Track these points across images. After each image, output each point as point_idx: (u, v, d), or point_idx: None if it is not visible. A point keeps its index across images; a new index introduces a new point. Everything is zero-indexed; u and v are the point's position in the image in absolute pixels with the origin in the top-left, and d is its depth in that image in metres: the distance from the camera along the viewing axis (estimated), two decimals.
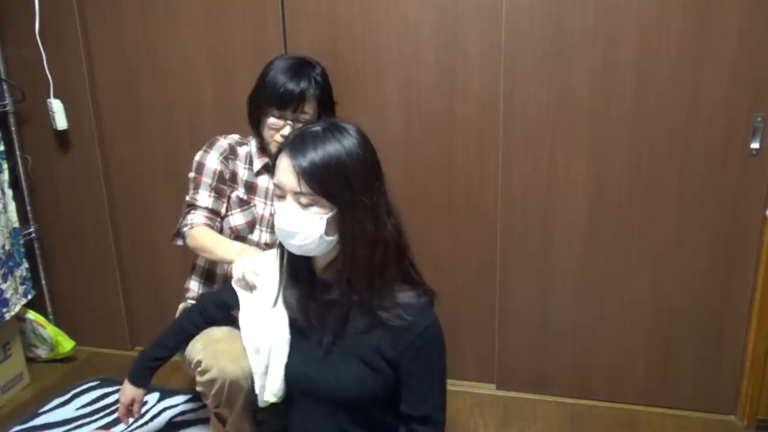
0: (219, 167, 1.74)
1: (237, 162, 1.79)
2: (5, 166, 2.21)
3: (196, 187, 1.74)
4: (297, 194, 1.18)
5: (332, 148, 1.17)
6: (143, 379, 1.57)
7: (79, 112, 2.27)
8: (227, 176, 1.76)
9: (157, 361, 1.56)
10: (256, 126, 1.74)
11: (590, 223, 1.97)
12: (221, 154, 1.75)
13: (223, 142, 1.77)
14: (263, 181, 1.80)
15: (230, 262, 1.55)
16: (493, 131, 1.96)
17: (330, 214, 1.19)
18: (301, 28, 2.02)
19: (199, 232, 1.69)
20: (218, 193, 1.75)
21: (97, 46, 2.22)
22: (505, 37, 1.88)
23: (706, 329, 1.96)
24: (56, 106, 2.25)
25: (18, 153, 2.34)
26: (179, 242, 1.77)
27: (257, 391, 1.39)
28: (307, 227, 1.19)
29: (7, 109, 2.30)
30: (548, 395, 2.15)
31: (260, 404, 1.39)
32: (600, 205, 1.94)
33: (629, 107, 1.85)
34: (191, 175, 1.77)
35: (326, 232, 1.19)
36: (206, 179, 1.74)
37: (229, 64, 2.10)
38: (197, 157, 1.77)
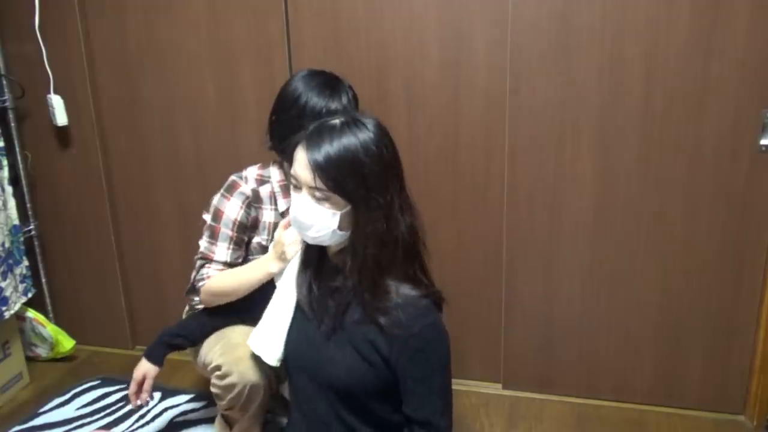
0: (240, 218, 1.60)
1: (262, 208, 1.64)
2: (5, 162, 2.19)
3: (213, 237, 1.60)
4: (312, 189, 1.18)
5: (348, 142, 1.16)
6: (158, 354, 1.56)
7: (80, 108, 2.25)
8: (248, 224, 1.63)
9: (177, 338, 1.57)
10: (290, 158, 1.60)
11: (597, 220, 1.94)
12: (243, 203, 1.61)
13: (245, 189, 1.61)
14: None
15: (274, 270, 1.44)
16: (499, 127, 1.94)
17: (343, 211, 1.19)
18: (304, 23, 2.00)
19: (216, 279, 1.56)
20: (238, 245, 1.61)
21: (97, 42, 2.20)
22: (511, 31, 1.85)
23: (715, 328, 1.94)
24: (56, 102, 2.23)
25: (18, 149, 2.32)
26: (196, 299, 1.63)
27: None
28: (321, 221, 1.19)
29: (6, 105, 2.28)
30: (555, 395, 2.13)
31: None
32: (607, 202, 1.92)
33: (637, 103, 1.82)
34: (208, 220, 1.63)
35: (339, 227, 1.20)
36: (226, 230, 1.59)
37: (231, 59, 2.08)
38: (215, 202, 1.62)
